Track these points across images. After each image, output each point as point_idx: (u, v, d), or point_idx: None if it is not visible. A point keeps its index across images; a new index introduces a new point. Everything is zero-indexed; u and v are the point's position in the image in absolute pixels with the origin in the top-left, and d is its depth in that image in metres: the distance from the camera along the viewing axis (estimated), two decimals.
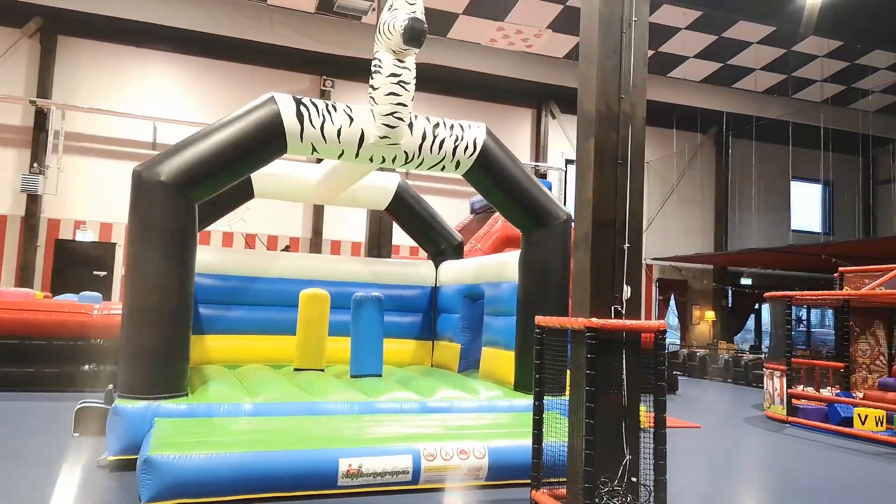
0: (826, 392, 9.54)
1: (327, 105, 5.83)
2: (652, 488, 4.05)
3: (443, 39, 15.63)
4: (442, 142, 6.09)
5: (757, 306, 19.93)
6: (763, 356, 17.65)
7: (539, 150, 18.30)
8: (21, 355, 8.89)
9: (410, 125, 5.98)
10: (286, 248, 15.68)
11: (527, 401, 6.21)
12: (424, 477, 4.72)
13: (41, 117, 14.47)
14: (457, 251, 9.03)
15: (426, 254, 9.32)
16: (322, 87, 16.56)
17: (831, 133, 17.68)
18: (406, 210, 8.81)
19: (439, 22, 14.64)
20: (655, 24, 14.46)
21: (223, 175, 5.58)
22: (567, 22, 14.86)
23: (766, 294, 9.70)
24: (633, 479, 4.09)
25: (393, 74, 5.73)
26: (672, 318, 19.58)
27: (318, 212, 16.41)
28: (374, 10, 12.19)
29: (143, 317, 5.22)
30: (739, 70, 16.95)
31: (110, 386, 6.56)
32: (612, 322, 4.00)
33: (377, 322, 6.88)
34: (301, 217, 16.34)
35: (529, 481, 4.94)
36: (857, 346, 10.47)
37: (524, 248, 6.59)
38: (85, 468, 5.06)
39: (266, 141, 5.63)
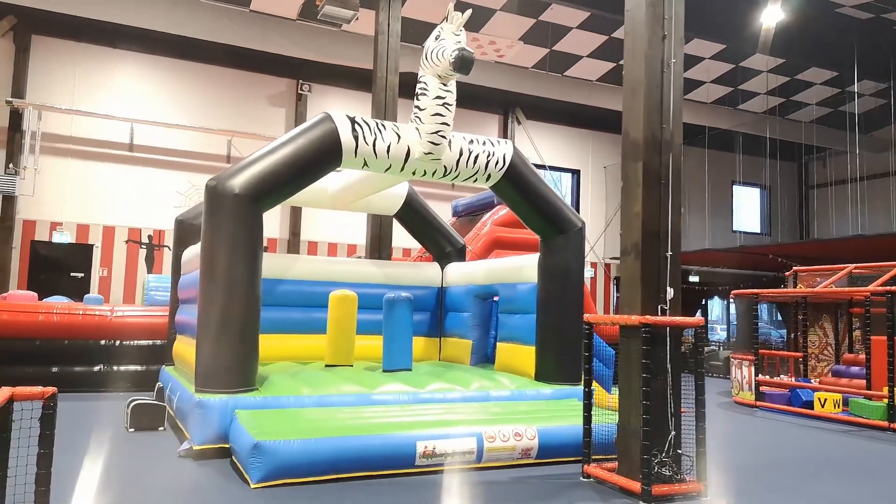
0: (783, 379, 10.68)
1: (377, 123, 6.40)
2: (694, 458, 4.84)
3: (419, 48, 16.22)
4: (476, 157, 6.75)
5: (704, 301, 21.35)
6: (715, 348, 19.04)
7: None
8: (35, 357, 9.02)
9: (450, 142, 6.61)
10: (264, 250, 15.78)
11: (550, 389, 6.97)
12: (486, 456, 5.38)
13: (16, 117, 14.30)
14: (460, 254, 9.68)
15: (416, 256, 9.88)
16: (299, 91, 16.90)
17: (770, 142, 19.24)
18: (414, 216, 9.40)
19: (417, 32, 15.23)
20: (617, 40, 15.49)
21: (287, 187, 6.07)
22: (537, 35, 15.74)
23: (734, 292, 10.77)
24: (679, 451, 4.86)
25: (438, 97, 6.35)
26: None
27: (296, 213, 16.74)
28: (357, 19, 12.65)
29: (221, 318, 5.67)
30: (693, 83, 18.21)
31: (159, 383, 6.92)
32: (663, 318, 4.77)
33: (407, 320, 7.47)
34: (279, 218, 16.62)
35: (573, 459, 5.71)
36: (807, 338, 11.68)
37: (544, 252, 7.32)
38: (168, 459, 5.47)
39: (324, 156, 6.16)
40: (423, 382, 6.65)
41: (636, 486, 4.66)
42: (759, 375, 10.17)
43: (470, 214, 13.46)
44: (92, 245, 15.02)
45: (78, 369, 9.26)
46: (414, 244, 14.62)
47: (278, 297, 8.43)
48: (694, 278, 21.38)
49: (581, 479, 5.21)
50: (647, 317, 4.71)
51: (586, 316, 5.33)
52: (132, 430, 6.56)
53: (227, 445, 5.45)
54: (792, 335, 12.35)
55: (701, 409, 4.85)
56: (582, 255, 7.28)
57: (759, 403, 9.92)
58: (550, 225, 7.17)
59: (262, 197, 5.90)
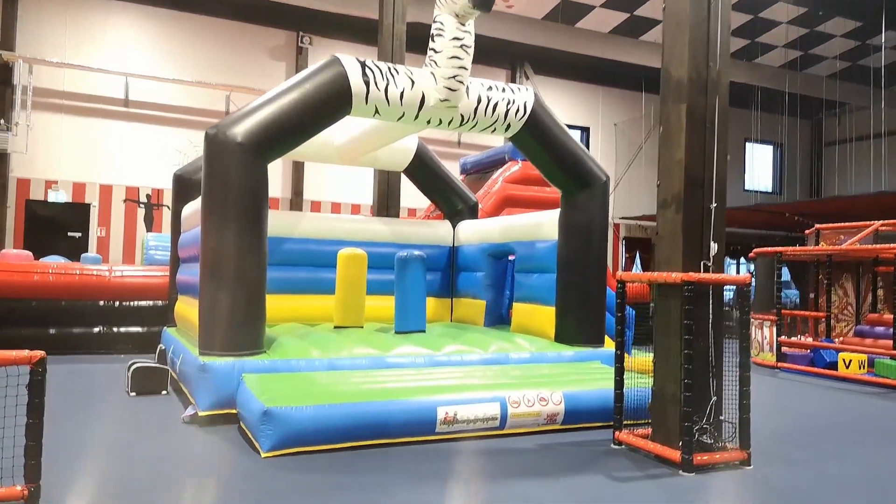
0: (804, 340, 10.37)
1: (390, 67, 5.91)
2: (737, 425, 4.50)
3: None
4: (496, 105, 6.28)
5: None
6: (727, 309, 18.70)
7: None
8: (31, 318, 8.69)
9: (467, 88, 6.13)
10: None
11: (572, 351, 6.63)
12: (510, 422, 5.05)
13: (6, 72, 13.75)
14: (472, 211, 9.27)
15: (423, 216, 9.46)
16: (299, 44, 16.26)
17: (785, 98, 18.63)
18: (424, 171, 8.96)
19: None
20: None
21: (293, 136, 5.63)
22: None
23: (756, 250, 10.37)
24: (721, 418, 4.52)
25: (456, 38, 5.85)
26: None
27: (299, 172, 16.27)
28: None
29: (225, 278, 5.29)
30: None
31: (161, 346, 6.58)
32: (708, 276, 4.38)
33: (420, 280, 7.10)
34: (280, 177, 16.15)
35: (600, 424, 5.39)
36: (825, 298, 11.32)
37: (565, 208, 6.90)
38: (172, 425, 5.15)
39: (333, 103, 5.69)
40: (438, 344, 6.31)
41: (675, 454, 4.34)
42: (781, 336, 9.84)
43: (479, 172, 12.98)
44: (89, 204, 14.60)
45: (76, 331, 8.93)
46: (420, 203, 14.19)
47: (283, 256, 8.05)
48: None
49: (612, 446, 4.89)
50: (691, 274, 4.32)
51: (619, 273, 4.93)
52: (133, 394, 6.24)
53: (234, 411, 5.12)
54: (811, 294, 12.00)
55: (745, 372, 4.50)
56: (606, 210, 6.87)
57: (780, 365, 9.61)
58: (573, 179, 6.74)
59: (267, 147, 5.46)
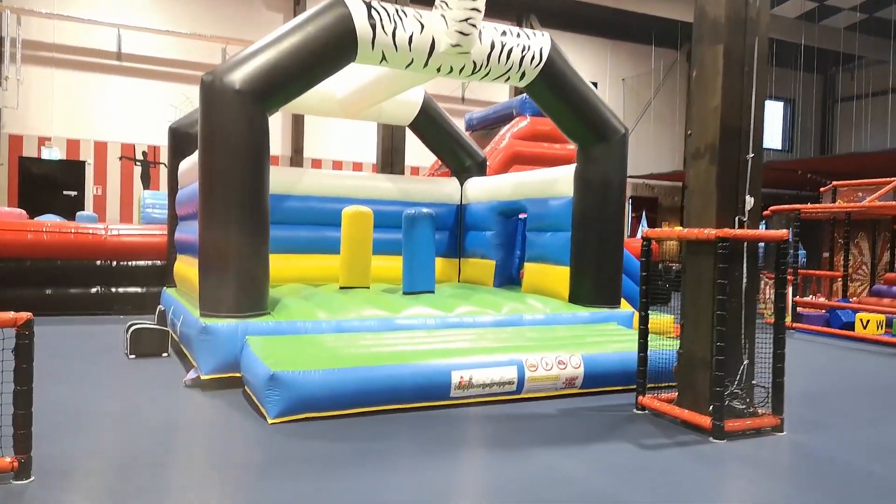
0: (817, 300, 10.13)
1: (397, 9, 5.51)
2: (770, 390, 4.26)
3: None
4: (510, 51, 5.89)
5: None
6: None
7: None
8: (25, 279, 8.42)
9: (480, 33, 5.74)
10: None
11: (587, 312, 6.38)
12: (527, 387, 4.81)
13: None
14: (481, 168, 8.93)
15: (427, 174, 9.13)
16: None
17: (802, 51, 18.05)
18: (431, 125, 8.58)
19: None
20: None
21: (295, 83, 5.26)
22: None
23: (773, 208, 10.05)
24: (753, 382, 4.28)
25: None
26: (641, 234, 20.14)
27: (299, 128, 15.84)
28: None
29: (225, 235, 5.00)
30: None
31: (161, 307, 6.32)
32: (744, 232, 4.08)
33: (430, 238, 6.81)
34: (279, 133, 15.73)
35: (620, 388, 5.17)
36: (839, 257, 11.06)
37: (582, 162, 6.56)
38: (173, 389, 4.92)
39: (337, 47, 5.31)
40: (449, 305, 6.05)
41: (704, 420, 4.11)
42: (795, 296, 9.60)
43: (485, 128, 12.58)
44: (84, 162, 14.22)
45: (73, 292, 8.68)
46: (424, 161, 13.81)
47: (284, 214, 7.74)
48: None
49: (634, 411, 4.66)
50: (726, 230, 4.02)
51: (645, 231, 4.64)
52: (133, 356, 6.00)
53: (237, 375, 4.88)
54: (825, 254, 11.74)
55: (780, 334, 4.25)
56: (625, 164, 6.53)
57: (795, 325, 9.39)
58: (591, 131, 6.39)
59: (267, 94, 5.10)
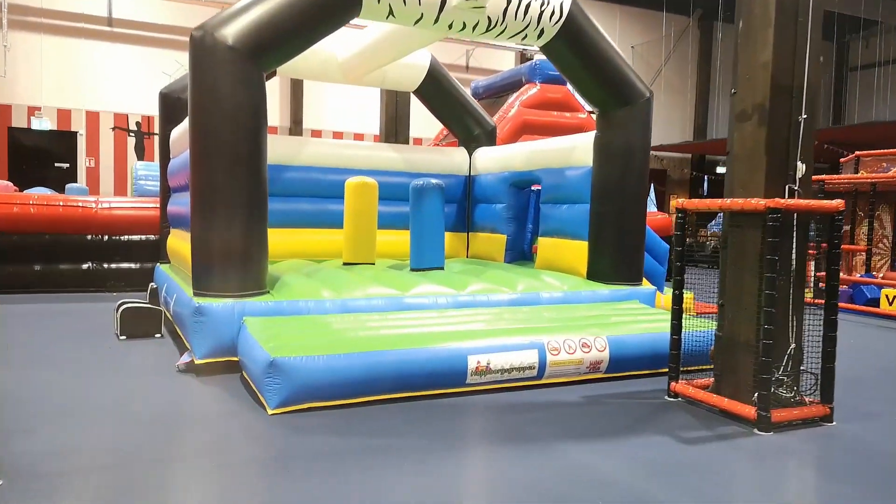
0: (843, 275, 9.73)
1: None
2: (819, 377, 3.88)
3: None
4: (528, 6, 5.41)
5: None
6: None
7: None
8: (13, 253, 8.02)
9: None
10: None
11: (607, 290, 5.98)
12: (549, 371, 4.44)
13: None
14: (490, 137, 8.47)
15: (432, 144, 8.69)
16: None
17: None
18: (438, 91, 8.11)
19: None
20: None
21: (294, 38, 4.80)
22: None
23: None
24: (801, 368, 3.90)
25: None
26: (651, 207, 19.69)
27: (298, 98, 15.31)
28: None
29: (219, 207, 4.58)
30: None
31: (153, 284, 5.93)
32: (795, 202, 3.66)
33: (438, 211, 6.38)
34: (277, 103, 15.21)
35: (647, 373, 4.80)
36: (860, 230, 10.64)
37: (602, 128, 6.11)
38: (166, 374, 4.54)
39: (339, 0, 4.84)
40: (461, 283, 5.65)
41: (747, 410, 3.73)
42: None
43: (492, 97, 12.07)
44: (76, 132, 13.74)
45: (63, 267, 8.28)
46: (428, 132, 13.33)
47: (284, 186, 7.32)
48: (721, 169, 20.16)
49: (666, 398, 4.29)
50: (777, 199, 3.60)
51: (678, 201, 4.22)
52: (123, 338, 5.62)
53: (234, 358, 4.50)
54: (845, 227, 11.31)
55: (832, 314, 3.85)
56: (649, 131, 6.08)
57: (817, 301, 8.98)
58: (613, 94, 5.93)
59: (263, 51, 4.64)
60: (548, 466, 3.11)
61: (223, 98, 4.52)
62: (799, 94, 3.77)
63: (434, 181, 6.38)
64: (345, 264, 6.60)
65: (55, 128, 13.49)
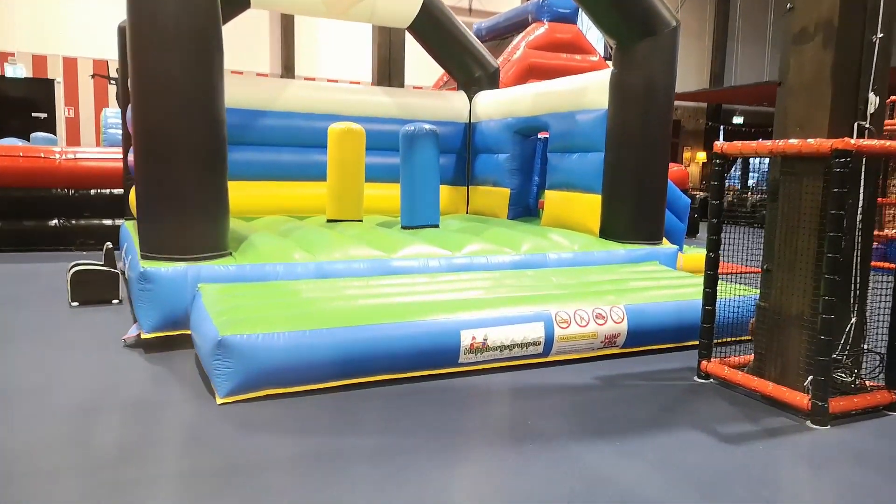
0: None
1: None
2: (885, 357, 3.21)
3: None
4: None
5: None
6: (763, 197, 17.27)
7: None
8: None
9: None
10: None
11: (623, 249, 5.29)
12: (557, 347, 3.77)
13: None
14: (492, 80, 7.66)
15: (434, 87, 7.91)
16: None
17: None
18: (434, 27, 7.28)
19: None
20: None
21: None
22: None
23: None
24: (864, 347, 3.22)
25: None
26: None
27: (288, 43, 14.38)
28: None
29: (166, 152, 3.86)
30: None
31: (108, 244, 5.26)
32: (869, 143, 2.92)
33: (432, 162, 5.65)
34: (268, 49, 14.30)
35: (668, 347, 4.15)
36: (892, 182, 9.84)
37: (621, 64, 5.32)
38: (112, 350, 3.90)
39: None
40: (457, 243, 4.96)
41: (798, 398, 3.07)
42: None
43: (496, 38, 11.16)
44: (52, 80, 12.91)
45: (28, 224, 7.61)
46: (426, 79, 12.47)
47: (263, 134, 6.60)
48: (738, 119, 19.20)
49: (696, 379, 3.63)
50: (846, 140, 2.86)
51: (717, 144, 3.49)
52: (76, 304, 4.99)
53: (188, 332, 3.85)
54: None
55: None
56: (674, 66, 5.30)
57: (887, 265, 8.28)
58: (634, 23, 5.12)
59: None
60: (556, 477, 2.46)
61: (165, 23, 3.75)
62: (874, 8, 3.00)
63: (427, 126, 5.63)
64: (329, 221, 5.92)
65: (31, 75, 12.66)
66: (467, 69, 7.56)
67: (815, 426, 3.00)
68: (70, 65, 12.91)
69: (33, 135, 8.50)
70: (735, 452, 2.73)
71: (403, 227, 5.66)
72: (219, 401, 3.08)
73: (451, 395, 3.31)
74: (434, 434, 2.83)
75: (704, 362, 3.61)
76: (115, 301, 5.09)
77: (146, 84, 3.80)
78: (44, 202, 7.63)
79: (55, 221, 7.71)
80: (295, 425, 2.89)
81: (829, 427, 3.00)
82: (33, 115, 12.78)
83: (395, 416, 3.02)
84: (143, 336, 3.83)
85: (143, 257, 3.96)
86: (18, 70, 12.47)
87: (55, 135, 12.79)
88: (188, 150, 3.86)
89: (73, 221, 7.75)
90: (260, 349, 3.09)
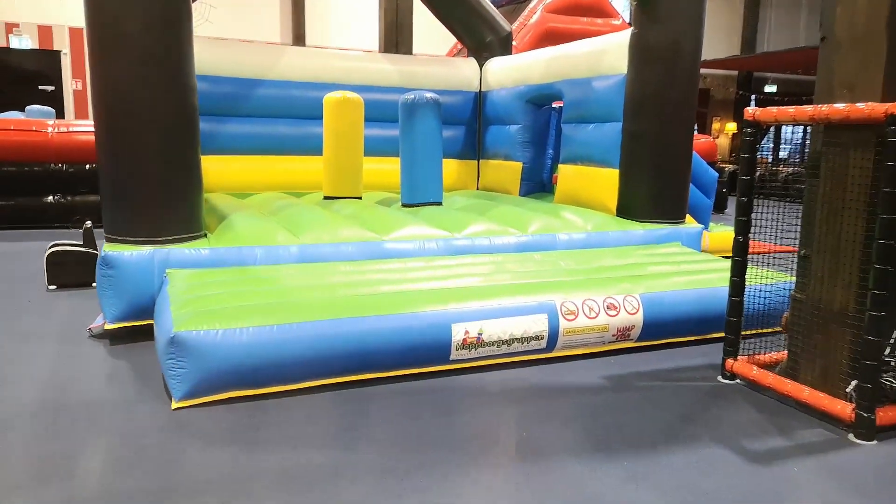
0: None
1: None
2: None
3: None
4: None
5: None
6: (796, 170, 16.54)
7: None
8: None
9: None
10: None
11: (642, 229, 4.84)
12: (563, 342, 3.37)
13: None
14: (504, 45, 7.17)
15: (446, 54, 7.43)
16: None
17: None
18: None
19: None
20: None
21: None
22: None
23: None
24: None
25: None
26: None
27: (299, 11, 13.92)
28: None
29: (127, 120, 3.48)
30: None
31: (88, 222, 4.94)
32: None
33: (434, 133, 5.22)
34: (278, 18, 13.86)
35: (687, 340, 3.72)
36: None
37: (641, 22, 4.82)
38: (76, 341, 3.58)
39: None
40: (458, 223, 4.54)
41: (839, 407, 2.64)
42: None
43: (512, 2, 10.60)
44: (59, 52, 12.62)
45: (23, 200, 7.35)
46: (435, 46, 11.96)
47: (257, 104, 6.22)
48: (770, 88, 18.35)
49: (720, 379, 3.21)
50: None
51: (749, 110, 3.01)
52: (53, 287, 4.69)
53: (153, 321, 3.51)
54: None
55: None
56: (701, 23, 4.78)
57: None
58: None
59: None
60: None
61: None
62: None
63: (429, 95, 5.19)
64: (325, 198, 5.53)
65: (37, 46, 12.39)
66: (477, 33, 7.07)
67: (858, 440, 2.57)
68: (77, 35, 12.61)
69: (29, 107, 8.21)
70: (763, 475, 2.32)
71: (404, 205, 5.27)
72: (173, 405, 2.73)
73: (439, 398, 2.93)
74: (410, 448, 2.45)
75: (730, 361, 3.17)
76: (94, 284, 4.77)
77: (102, 41, 3.41)
78: (37, 178, 7.35)
79: (51, 198, 7.44)
80: (256, 436, 2.53)
81: (875, 442, 2.57)
82: (40, 87, 12.53)
83: (369, 426, 2.65)
84: (107, 327, 3.50)
85: (107, 240, 3.61)
86: (24, 41, 12.20)
87: (63, 108, 12.56)
88: (152, 118, 3.48)
89: (70, 198, 7.47)
90: (219, 347, 2.73)
